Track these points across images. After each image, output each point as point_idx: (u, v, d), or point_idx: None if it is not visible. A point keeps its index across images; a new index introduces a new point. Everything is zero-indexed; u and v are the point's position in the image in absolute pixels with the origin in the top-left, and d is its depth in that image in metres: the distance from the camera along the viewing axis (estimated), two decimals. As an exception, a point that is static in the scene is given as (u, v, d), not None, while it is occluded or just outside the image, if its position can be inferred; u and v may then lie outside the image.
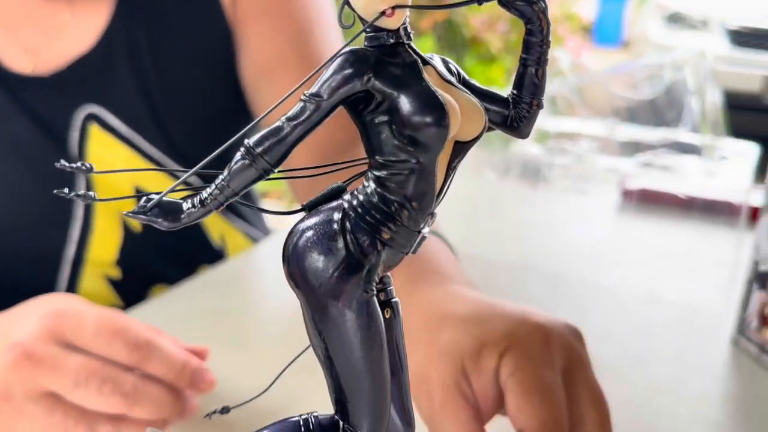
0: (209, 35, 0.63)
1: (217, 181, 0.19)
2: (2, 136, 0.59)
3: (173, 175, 0.65)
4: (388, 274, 0.22)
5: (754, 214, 0.74)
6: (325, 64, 0.19)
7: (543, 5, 0.20)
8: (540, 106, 0.21)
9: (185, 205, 0.19)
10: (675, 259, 0.71)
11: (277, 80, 0.62)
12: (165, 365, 0.39)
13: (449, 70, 0.21)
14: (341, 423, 0.21)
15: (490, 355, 0.35)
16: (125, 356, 0.38)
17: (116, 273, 0.63)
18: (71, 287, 0.62)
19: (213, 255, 0.69)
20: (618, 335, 0.58)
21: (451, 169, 0.20)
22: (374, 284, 0.20)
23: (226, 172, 0.19)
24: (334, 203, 0.20)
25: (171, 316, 0.57)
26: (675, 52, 0.66)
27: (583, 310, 0.62)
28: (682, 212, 0.77)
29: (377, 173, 0.19)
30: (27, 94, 0.58)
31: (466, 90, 0.20)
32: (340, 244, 0.19)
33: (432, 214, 0.20)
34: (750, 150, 0.70)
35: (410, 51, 0.20)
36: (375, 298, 0.20)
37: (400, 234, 0.20)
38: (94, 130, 0.60)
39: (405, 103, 0.19)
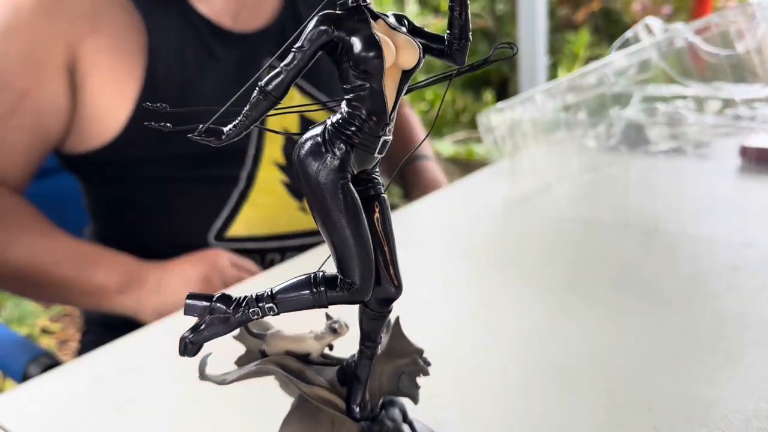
0: None
1: (243, 111, 0.29)
2: (205, 74, 0.84)
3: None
4: (377, 177, 0.31)
5: None
6: (305, 24, 0.28)
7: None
8: (467, 39, 0.29)
9: (225, 129, 0.29)
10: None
11: None
12: None
13: (400, 22, 0.29)
14: (339, 277, 0.30)
15: None
16: None
17: (283, 161, 0.87)
18: (251, 177, 0.87)
19: None
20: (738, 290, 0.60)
21: (400, 91, 0.28)
22: (348, 175, 0.28)
23: (247, 106, 0.28)
24: (320, 124, 0.29)
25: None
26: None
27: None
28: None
29: (347, 97, 0.28)
30: (230, 47, 0.86)
31: (407, 33, 0.28)
32: (323, 148, 0.28)
33: (387, 124, 0.28)
34: None
35: (366, 10, 0.28)
36: (350, 185, 0.28)
37: (364, 138, 0.28)
38: None
39: (356, 45, 0.27)
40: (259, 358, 0.37)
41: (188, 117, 0.29)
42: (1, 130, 0.77)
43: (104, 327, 0.93)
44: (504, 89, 3.63)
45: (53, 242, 0.80)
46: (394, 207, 1.02)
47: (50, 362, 0.77)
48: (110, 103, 0.80)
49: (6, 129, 0.77)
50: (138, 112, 0.80)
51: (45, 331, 2.09)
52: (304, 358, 0.36)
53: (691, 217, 0.70)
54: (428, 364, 0.38)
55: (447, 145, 3.02)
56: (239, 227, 0.86)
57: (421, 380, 0.38)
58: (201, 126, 0.29)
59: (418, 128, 1.14)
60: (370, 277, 0.30)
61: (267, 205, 0.88)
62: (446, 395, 0.46)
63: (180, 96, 0.82)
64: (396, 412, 0.38)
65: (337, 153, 0.28)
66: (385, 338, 0.37)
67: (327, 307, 0.30)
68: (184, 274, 0.78)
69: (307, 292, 0.30)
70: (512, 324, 0.55)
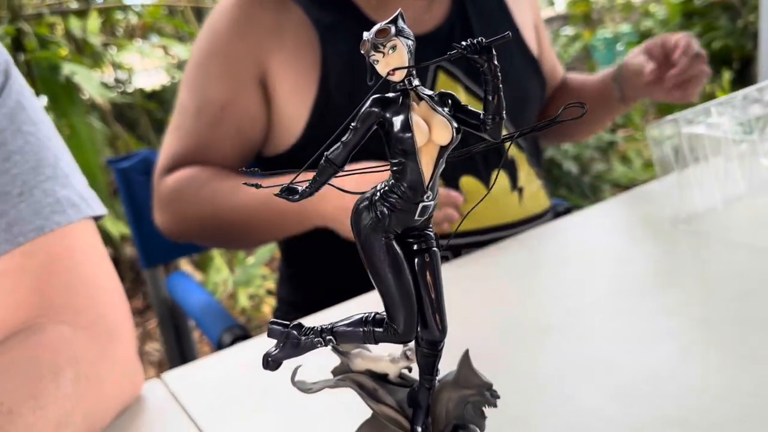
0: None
1: (314, 176, 0.34)
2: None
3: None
4: (430, 231, 0.35)
5: None
6: (362, 105, 0.32)
7: (490, 55, 0.30)
8: (501, 118, 0.31)
9: (300, 188, 0.34)
10: None
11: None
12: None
13: (444, 100, 0.32)
14: (386, 321, 0.34)
15: None
16: None
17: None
18: None
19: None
20: None
21: (437, 165, 0.32)
22: (391, 235, 0.32)
23: (317, 172, 0.34)
24: (373, 188, 0.33)
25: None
26: None
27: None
28: None
29: (392, 169, 0.32)
30: None
31: (445, 113, 0.31)
32: (369, 210, 0.33)
33: (425, 192, 0.32)
34: None
35: (413, 92, 0.32)
36: (393, 243, 0.33)
37: (403, 205, 0.32)
38: (441, 76, 0.94)
39: (395, 125, 0.31)
40: (347, 371, 0.42)
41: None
42: (208, 139, 0.91)
43: (290, 305, 1.05)
44: (745, 69, 3.27)
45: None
46: (565, 212, 1.02)
47: (240, 333, 0.91)
48: (293, 111, 0.91)
49: (212, 138, 0.91)
50: (312, 119, 0.90)
51: (270, 293, 2.37)
52: (383, 378, 0.41)
53: None
54: (496, 397, 0.41)
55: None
56: None
57: (511, 407, 0.41)
58: (283, 186, 0.35)
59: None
60: (411, 324, 0.34)
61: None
62: (534, 426, 0.48)
63: (350, 102, 0.90)
64: (465, 436, 0.42)
65: (380, 216, 0.32)
66: (454, 368, 0.40)
67: (376, 344, 0.35)
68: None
69: (360, 330, 0.35)
70: (638, 358, 0.55)
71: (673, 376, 0.51)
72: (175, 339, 1.14)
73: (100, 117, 2.28)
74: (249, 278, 2.11)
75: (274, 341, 0.37)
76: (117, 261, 2.60)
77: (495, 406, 0.41)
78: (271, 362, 0.37)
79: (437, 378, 0.41)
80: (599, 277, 0.70)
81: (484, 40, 0.30)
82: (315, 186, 0.34)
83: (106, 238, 2.29)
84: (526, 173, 1.00)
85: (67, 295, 0.54)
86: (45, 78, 1.81)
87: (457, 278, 0.75)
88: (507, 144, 0.35)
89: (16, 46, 1.86)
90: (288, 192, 0.34)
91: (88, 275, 0.56)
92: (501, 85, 0.31)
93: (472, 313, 0.66)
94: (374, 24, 1.13)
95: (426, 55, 1.07)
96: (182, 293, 1.10)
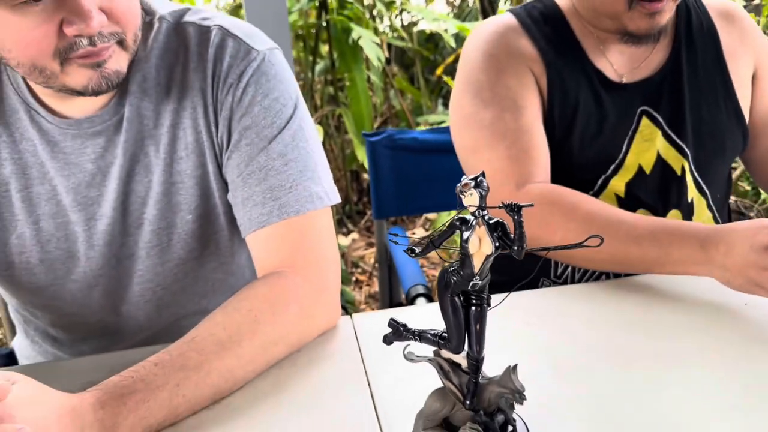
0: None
1: (422, 248, 0.59)
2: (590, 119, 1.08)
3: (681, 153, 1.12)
4: (485, 295, 0.58)
5: None
6: (452, 217, 0.56)
7: (519, 214, 0.52)
8: (522, 248, 0.53)
9: (417, 250, 0.60)
10: None
11: None
12: None
13: (496, 227, 0.55)
14: (447, 338, 0.59)
15: None
16: None
17: (623, 194, 1.10)
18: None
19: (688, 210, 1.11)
20: None
21: (484, 263, 0.55)
22: (454, 294, 0.57)
23: (424, 245, 0.59)
24: (450, 263, 0.57)
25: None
26: None
27: None
28: None
29: (459, 258, 0.56)
30: (613, 94, 1.09)
31: (492, 236, 0.54)
32: (445, 275, 0.57)
33: (474, 276, 0.55)
34: None
35: (480, 219, 0.55)
36: (455, 297, 0.57)
37: (460, 279, 0.56)
38: (644, 120, 1.10)
39: (463, 236, 0.55)
40: (439, 355, 0.68)
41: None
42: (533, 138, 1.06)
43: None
44: None
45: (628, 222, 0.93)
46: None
47: (423, 292, 1.19)
48: None
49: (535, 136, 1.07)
50: None
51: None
52: (457, 365, 0.66)
53: None
54: (523, 398, 0.63)
55: None
56: None
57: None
58: (413, 246, 0.61)
59: None
60: (459, 344, 0.58)
61: None
62: None
63: (568, 136, 1.08)
64: (500, 417, 0.65)
65: (448, 281, 0.57)
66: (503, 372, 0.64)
67: (441, 350, 0.60)
68: (753, 240, 0.80)
69: (433, 339, 0.60)
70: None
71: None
72: (387, 281, 1.48)
73: (377, 71, 2.67)
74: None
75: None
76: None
77: (521, 404, 0.64)
78: (387, 340, 0.64)
79: (490, 376, 0.65)
80: (729, 332, 0.80)
81: (518, 207, 0.52)
82: (421, 254, 0.59)
83: (362, 168, 2.71)
84: (703, 218, 1.11)
85: (303, 258, 0.86)
86: (338, 38, 2.20)
87: (583, 299, 0.94)
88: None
89: (323, 6, 2.27)
90: (411, 251, 0.60)
91: (318, 247, 0.88)
92: (524, 232, 0.53)
93: (581, 334, 0.85)
94: (595, 68, 1.29)
95: (633, 100, 1.19)
96: (393, 244, 1.42)
